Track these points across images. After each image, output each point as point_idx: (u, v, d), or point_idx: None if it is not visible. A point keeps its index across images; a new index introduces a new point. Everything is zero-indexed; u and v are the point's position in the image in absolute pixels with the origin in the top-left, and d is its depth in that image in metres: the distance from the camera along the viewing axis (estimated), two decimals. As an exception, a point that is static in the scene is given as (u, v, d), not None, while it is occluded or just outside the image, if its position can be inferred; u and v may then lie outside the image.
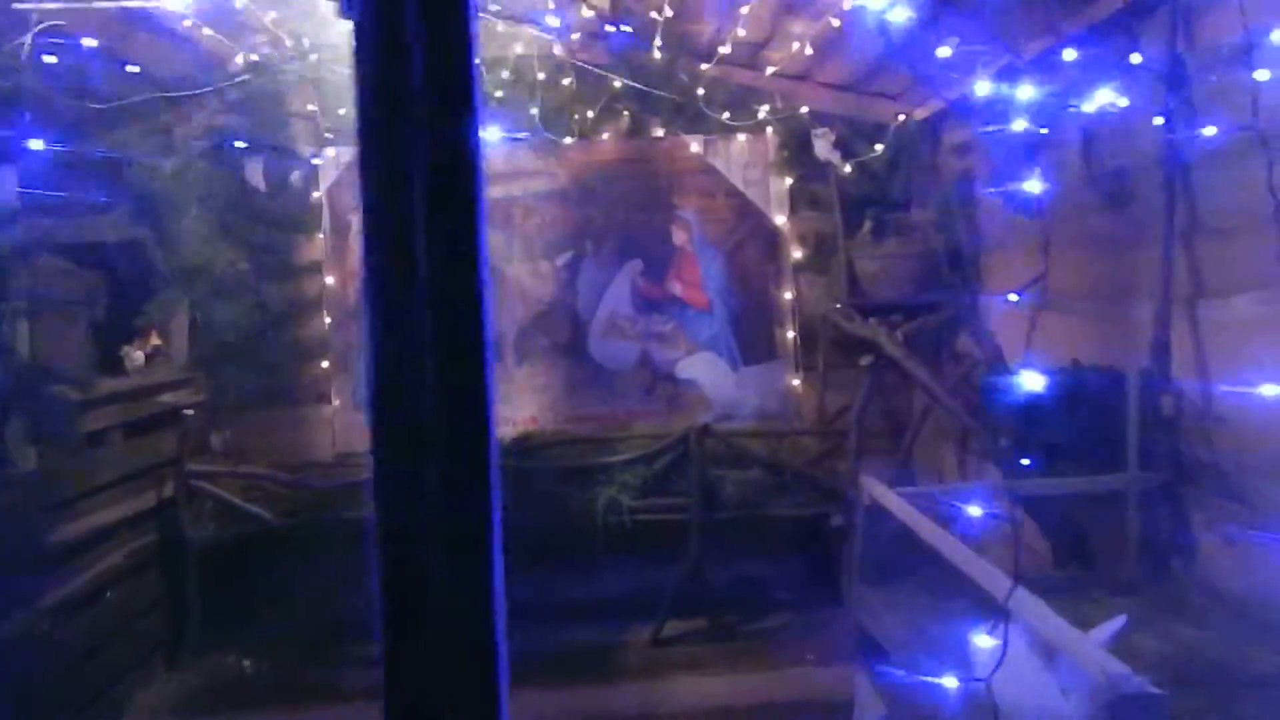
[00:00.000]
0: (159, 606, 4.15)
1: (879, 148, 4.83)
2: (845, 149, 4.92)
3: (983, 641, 2.31)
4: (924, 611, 2.66)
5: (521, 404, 4.98)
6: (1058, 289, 3.83)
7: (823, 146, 4.90)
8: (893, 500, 2.67)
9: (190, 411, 4.20)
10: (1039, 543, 3.69)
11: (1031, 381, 3.57)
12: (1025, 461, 3.39)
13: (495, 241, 4.98)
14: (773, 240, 5.10)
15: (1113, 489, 3.13)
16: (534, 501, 4.24)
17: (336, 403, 4.93)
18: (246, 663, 4.25)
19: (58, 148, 3.66)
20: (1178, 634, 2.67)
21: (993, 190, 4.24)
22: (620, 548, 4.31)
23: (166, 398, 4.30)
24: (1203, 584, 2.90)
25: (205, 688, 4.06)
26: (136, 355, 4.10)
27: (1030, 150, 3.77)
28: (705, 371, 5.08)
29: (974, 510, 2.67)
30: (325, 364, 4.92)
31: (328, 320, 4.91)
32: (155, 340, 4.30)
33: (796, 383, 5.08)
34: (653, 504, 4.33)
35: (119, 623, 3.83)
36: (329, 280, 4.90)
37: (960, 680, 1.86)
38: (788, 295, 5.09)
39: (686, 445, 4.30)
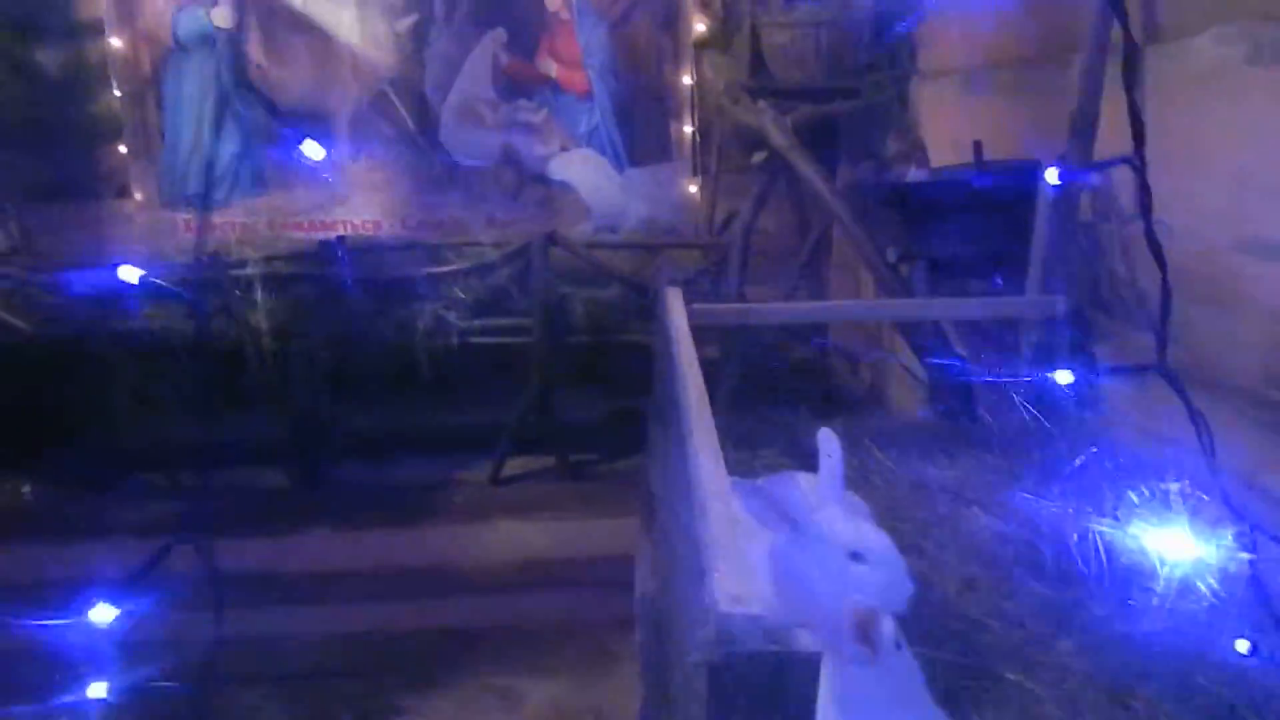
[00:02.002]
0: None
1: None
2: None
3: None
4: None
5: (358, 205, 4.18)
6: (990, 63, 2.93)
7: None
8: (676, 318, 1.94)
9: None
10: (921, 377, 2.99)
11: (924, 181, 2.75)
12: (903, 277, 2.63)
13: (320, -2, 4.01)
14: (670, 9, 4.10)
15: (1005, 314, 2.38)
16: (342, 319, 3.54)
17: (139, 196, 4.14)
18: (26, 488, 3.73)
19: None
20: (1039, 511, 1.99)
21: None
22: (452, 375, 3.66)
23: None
24: (1100, 441, 2.21)
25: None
26: None
27: None
28: (583, 172, 4.23)
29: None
30: (122, 148, 4.09)
31: (117, 93, 4.02)
32: (-126, 106, 3.47)
33: (694, 189, 4.24)
34: (488, 325, 3.63)
35: None
36: (115, 43, 3.98)
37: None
38: (686, 80, 4.15)
39: (528, 256, 3.54)
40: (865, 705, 1.11)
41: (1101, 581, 1.54)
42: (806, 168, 3.09)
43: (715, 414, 2.86)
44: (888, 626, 1.18)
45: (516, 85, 4.16)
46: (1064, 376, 1.97)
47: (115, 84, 4.01)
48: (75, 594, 3.01)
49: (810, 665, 0.79)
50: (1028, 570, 1.71)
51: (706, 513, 1.01)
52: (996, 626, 1.52)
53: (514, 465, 3.82)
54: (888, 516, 1.87)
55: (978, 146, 2.41)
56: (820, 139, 3.67)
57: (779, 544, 1.26)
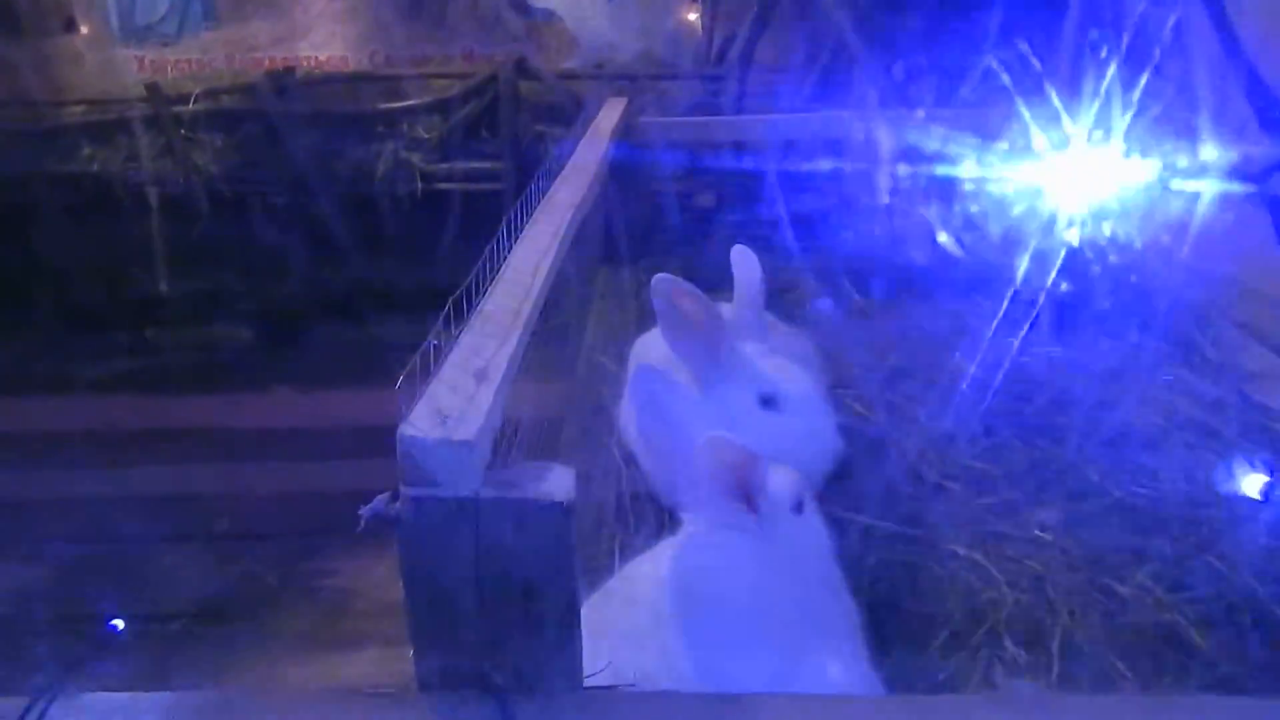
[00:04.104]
0: None
1: None
2: None
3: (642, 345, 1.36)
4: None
5: (322, 39, 3.78)
6: None
7: None
8: (601, 123, 1.58)
9: None
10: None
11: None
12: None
13: None
14: None
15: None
16: (293, 160, 3.22)
17: (85, 30, 3.79)
18: (-9, 345, 3.58)
19: None
20: (1039, 359, 1.66)
21: None
22: (417, 223, 3.35)
23: None
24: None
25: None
26: None
27: None
28: (568, -2, 3.75)
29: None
30: (62, -24, 3.72)
31: (47, -93, 3.62)
32: None
33: (694, 16, 3.75)
34: (455, 169, 3.28)
35: None
36: None
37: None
38: (685, -119, 3.59)
39: (496, 89, 3.15)
40: (731, 584, 0.83)
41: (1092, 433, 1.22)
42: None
43: (681, 255, 2.52)
44: (783, 483, 0.89)
45: (490, -107, 3.65)
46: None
47: (44, -104, 3.60)
48: (35, 449, 2.91)
49: (552, 521, 0.50)
50: (1012, 425, 1.40)
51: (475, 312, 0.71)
52: (959, 491, 1.22)
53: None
54: (851, 366, 1.56)
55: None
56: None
57: (648, 376, 0.96)
